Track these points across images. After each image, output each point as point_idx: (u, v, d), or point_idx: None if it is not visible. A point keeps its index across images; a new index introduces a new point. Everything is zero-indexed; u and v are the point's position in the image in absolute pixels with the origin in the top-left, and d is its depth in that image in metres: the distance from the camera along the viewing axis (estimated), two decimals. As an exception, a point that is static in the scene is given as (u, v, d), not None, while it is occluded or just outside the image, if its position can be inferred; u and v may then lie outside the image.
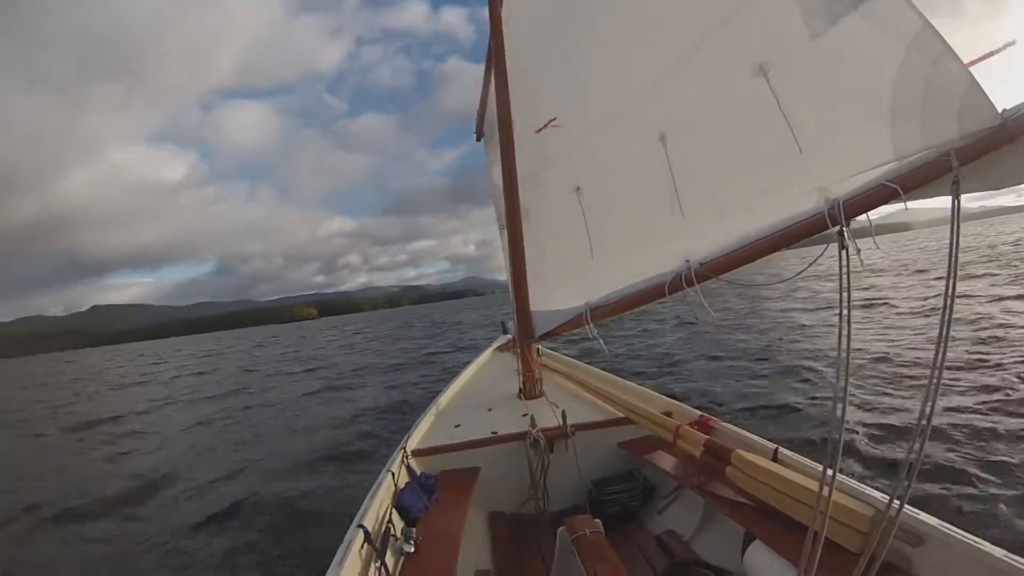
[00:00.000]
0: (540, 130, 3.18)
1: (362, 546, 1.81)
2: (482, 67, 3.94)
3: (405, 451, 2.68)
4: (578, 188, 2.85)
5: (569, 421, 2.87)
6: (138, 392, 16.10)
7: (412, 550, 1.94)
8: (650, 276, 2.35)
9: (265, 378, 15.15)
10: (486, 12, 3.39)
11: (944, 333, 1.26)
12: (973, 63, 1.30)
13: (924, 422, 1.27)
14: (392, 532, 1.99)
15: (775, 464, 2.09)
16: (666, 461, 2.60)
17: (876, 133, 1.48)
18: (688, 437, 2.55)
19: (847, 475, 1.91)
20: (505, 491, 2.82)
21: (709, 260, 2.05)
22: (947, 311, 1.25)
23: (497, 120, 3.55)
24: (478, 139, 4.44)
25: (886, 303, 12.44)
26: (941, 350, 1.26)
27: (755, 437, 2.41)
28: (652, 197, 2.31)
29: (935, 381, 1.24)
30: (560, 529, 1.96)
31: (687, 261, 2.12)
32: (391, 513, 2.15)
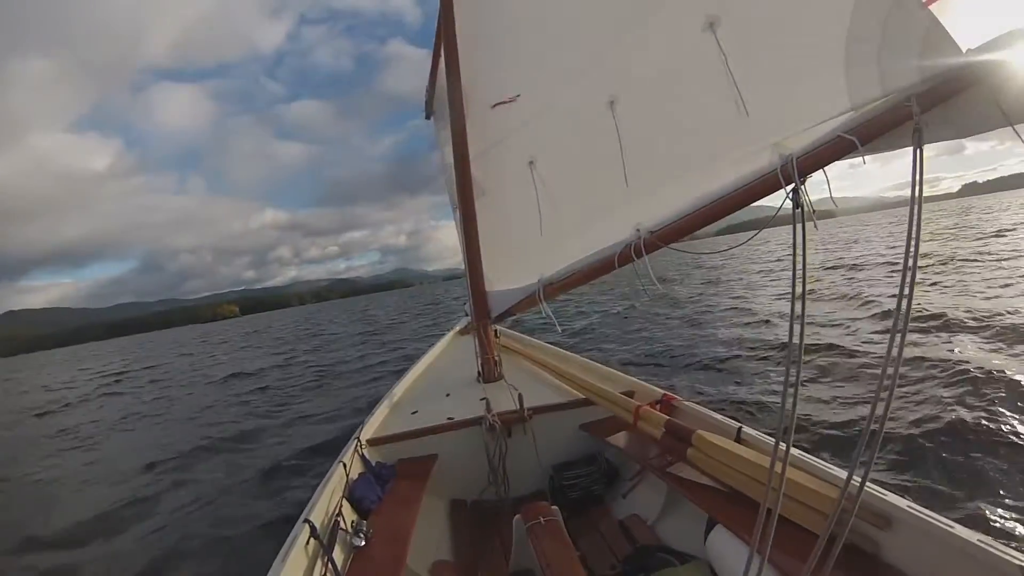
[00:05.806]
0: (497, 105, 3.07)
1: (308, 541, 1.70)
2: (428, 51, 3.79)
3: (359, 441, 2.58)
4: (531, 162, 2.75)
5: (527, 404, 2.79)
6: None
7: (362, 544, 1.85)
8: (601, 248, 2.28)
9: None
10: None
11: (906, 304, 1.07)
12: (931, 2, 1.17)
13: (885, 392, 1.12)
14: (342, 525, 1.88)
15: (737, 445, 2.00)
16: (628, 443, 2.53)
17: (831, 82, 1.37)
18: (649, 418, 2.40)
19: (811, 453, 1.79)
20: (464, 478, 2.74)
21: (659, 228, 1.99)
22: (909, 273, 1.07)
23: (448, 96, 3.41)
24: (427, 117, 4.27)
25: (842, 274, 12.60)
26: (902, 318, 1.07)
27: (718, 416, 2.32)
28: (601, 166, 2.24)
29: (896, 350, 1.09)
30: (516, 517, 1.91)
31: (637, 230, 2.06)
32: (342, 505, 2.03)
